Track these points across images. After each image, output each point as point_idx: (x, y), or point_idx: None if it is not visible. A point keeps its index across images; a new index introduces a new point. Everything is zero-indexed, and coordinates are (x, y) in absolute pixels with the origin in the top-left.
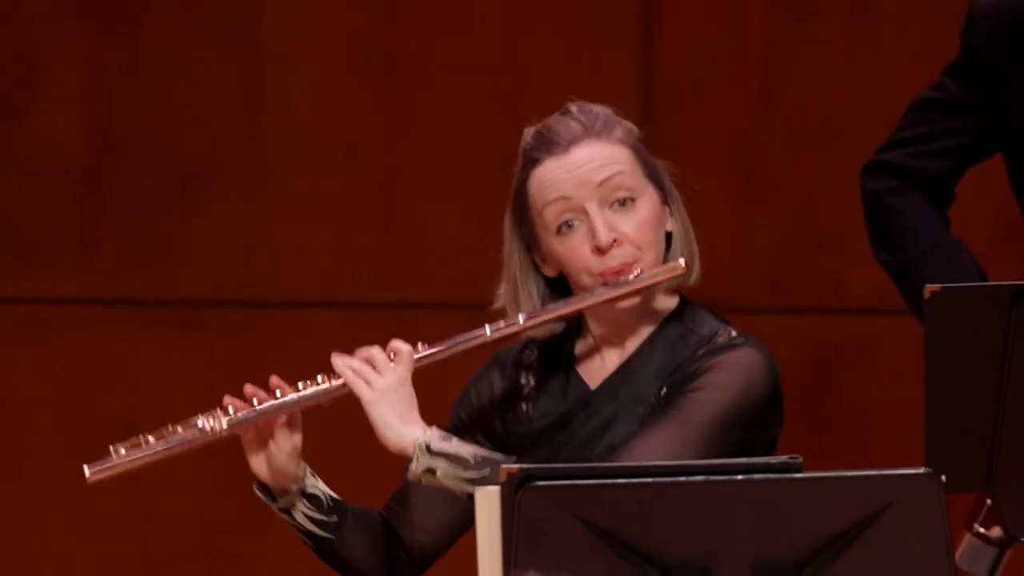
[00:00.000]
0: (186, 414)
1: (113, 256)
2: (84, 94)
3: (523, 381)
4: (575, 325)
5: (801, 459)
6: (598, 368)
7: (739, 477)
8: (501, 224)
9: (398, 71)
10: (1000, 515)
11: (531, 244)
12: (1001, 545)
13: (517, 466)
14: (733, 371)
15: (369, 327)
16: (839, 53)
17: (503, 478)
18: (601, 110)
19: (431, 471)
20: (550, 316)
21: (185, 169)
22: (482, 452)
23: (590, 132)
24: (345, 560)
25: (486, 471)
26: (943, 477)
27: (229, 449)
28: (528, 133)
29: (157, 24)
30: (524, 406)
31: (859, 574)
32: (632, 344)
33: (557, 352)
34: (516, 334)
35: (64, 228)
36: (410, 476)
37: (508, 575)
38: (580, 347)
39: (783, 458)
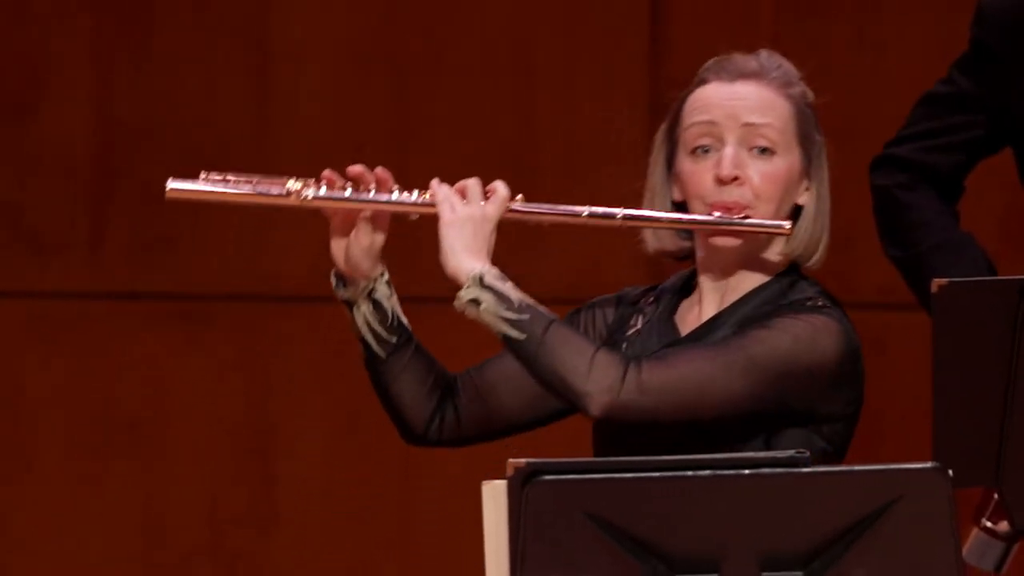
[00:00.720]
0: (194, 408)
1: (121, 251)
2: (93, 91)
3: (632, 322)
4: (692, 277)
5: (809, 453)
6: (694, 318)
7: (746, 472)
8: (510, 221)
9: (406, 71)
10: (1007, 510)
11: (670, 160)
12: (1008, 540)
13: (524, 460)
14: (801, 324)
15: None
16: (846, 52)
17: (510, 472)
18: (787, 64)
19: (476, 302)
20: (645, 223)
21: (193, 165)
22: (530, 300)
23: (763, 76)
24: (387, 385)
25: (526, 316)
26: (951, 472)
27: (238, 446)
28: (711, 60)
29: (166, 22)
30: (623, 346)
31: (867, 568)
32: (729, 299)
33: (669, 299)
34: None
35: (73, 224)
36: (456, 304)
37: (515, 569)
38: (687, 298)
39: (790, 452)
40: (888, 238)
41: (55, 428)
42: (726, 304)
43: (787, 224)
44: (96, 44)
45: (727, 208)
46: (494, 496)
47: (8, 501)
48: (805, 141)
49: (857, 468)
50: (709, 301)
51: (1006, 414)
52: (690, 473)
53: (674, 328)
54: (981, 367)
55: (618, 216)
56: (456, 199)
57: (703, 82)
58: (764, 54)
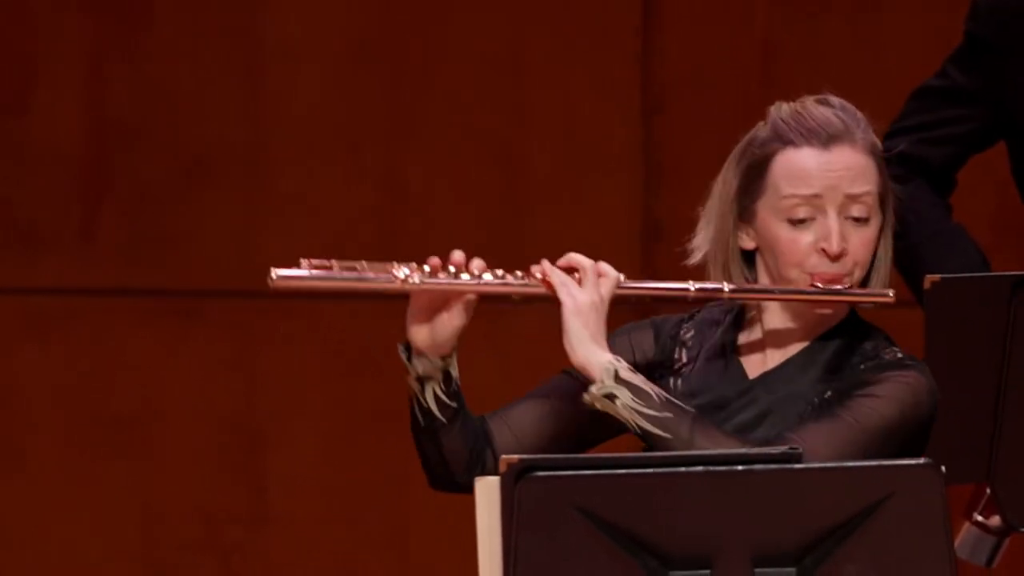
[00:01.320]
0: (188, 405)
1: (114, 247)
2: (86, 85)
3: (676, 356)
4: (741, 313)
5: (801, 450)
6: (759, 360)
7: (739, 467)
8: (501, 216)
9: (399, 67)
10: (1000, 506)
11: (744, 213)
12: (1000, 534)
13: (517, 456)
14: (903, 386)
15: (369, 318)
16: (841, 49)
17: (503, 468)
18: (860, 115)
19: (612, 397)
20: (753, 296)
21: (186, 160)
22: (666, 395)
23: (852, 136)
24: (442, 446)
25: (668, 415)
26: (943, 468)
27: (231, 443)
28: (782, 108)
29: (159, 16)
30: (672, 381)
31: (859, 564)
32: (797, 345)
33: (718, 336)
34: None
35: (65, 219)
36: (587, 397)
37: (507, 565)
38: (744, 336)
39: (783, 448)
40: None
41: (48, 425)
42: (794, 350)
43: (891, 293)
44: (90, 40)
45: (830, 280)
46: (487, 492)
47: (2, 498)
48: (885, 197)
49: (849, 464)
50: (775, 345)
51: (998, 410)
52: (683, 469)
53: (741, 370)
54: (974, 363)
55: (725, 291)
56: (572, 284)
57: (791, 143)
58: (837, 104)
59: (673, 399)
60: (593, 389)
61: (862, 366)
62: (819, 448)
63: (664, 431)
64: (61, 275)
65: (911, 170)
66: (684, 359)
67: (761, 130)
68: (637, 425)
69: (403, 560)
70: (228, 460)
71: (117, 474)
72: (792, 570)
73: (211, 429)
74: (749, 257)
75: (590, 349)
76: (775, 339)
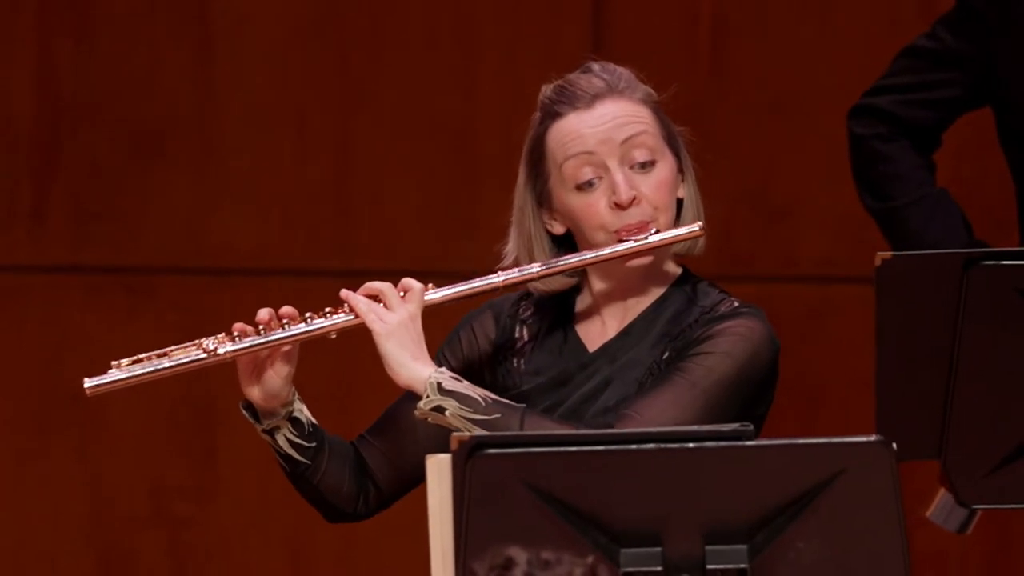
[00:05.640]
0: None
1: (64, 224)
2: (36, 62)
3: (517, 335)
4: (576, 286)
5: (752, 427)
6: (598, 331)
7: (690, 445)
8: (452, 193)
9: (349, 42)
10: (950, 483)
11: (542, 199)
12: None
13: (469, 434)
14: (738, 339)
15: (320, 295)
16: (791, 19)
17: (454, 446)
18: (623, 70)
19: (440, 409)
20: (564, 267)
21: (137, 137)
22: (492, 396)
23: (614, 89)
24: (317, 486)
25: (497, 415)
26: (894, 445)
27: (180, 419)
28: (547, 88)
29: None
30: (516, 361)
31: (810, 541)
32: (634, 310)
33: (555, 311)
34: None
35: (15, 196)
36: (417, 413)
37: (459, 542)
38: (580, 309)
39: (734, 426)
40: (863, 187)
41: None
42: (632, 316)
43: (697, 226)
44: (38, 14)
45: (634, 230)
46: (438, 469)
47: None
48: (670, 138)
49: (801, 441)
50: (611, 315)
51: (949, 387)
52: (634, 446)
53: (580, 345)
54: (924, 340)
55: (535, 271)
56: (378, 308)
57: (558, 115)
58: (597, 67)
59: (500, 399)
60: (421, 404)
61: (697, 321)
62: (656, 418)
63: (495, 432)
64: (11, 252)
65: (896, 130)
66: (525, 337)
67: (535, 117)
68: (469, 431)
69: (352, 536)
70: (177, 435)
71: (66, 450)
72: (743, 547)
73: (160, 404)
74: (570, 243)
75: (411, 368)
76: (609, 308)
